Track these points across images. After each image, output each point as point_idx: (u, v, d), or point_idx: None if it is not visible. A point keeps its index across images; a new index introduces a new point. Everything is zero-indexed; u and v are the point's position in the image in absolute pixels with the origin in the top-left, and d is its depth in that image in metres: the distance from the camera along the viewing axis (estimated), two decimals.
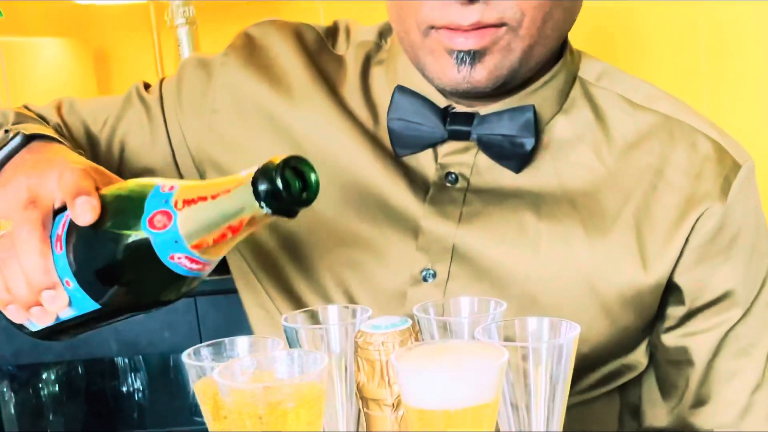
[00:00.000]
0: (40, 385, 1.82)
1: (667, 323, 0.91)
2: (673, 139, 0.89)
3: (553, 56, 0.88)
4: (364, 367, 0.61)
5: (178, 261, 0.63)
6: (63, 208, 0.68)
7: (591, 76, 0.92)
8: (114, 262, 0.65)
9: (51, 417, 1.83)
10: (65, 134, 0.94)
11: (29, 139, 0.78)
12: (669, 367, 0.93)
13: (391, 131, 0.89)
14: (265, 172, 0.59)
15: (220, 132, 0.95)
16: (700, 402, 0.91)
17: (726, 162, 0.88)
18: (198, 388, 0.61)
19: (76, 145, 0.94)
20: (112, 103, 0.99)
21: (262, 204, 0.60)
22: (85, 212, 0.65)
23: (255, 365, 0.57)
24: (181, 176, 0.98)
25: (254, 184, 0.59)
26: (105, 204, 0.66)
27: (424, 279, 0.88)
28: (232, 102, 0.95)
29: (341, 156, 0.91)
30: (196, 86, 0.97)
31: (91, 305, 0.67)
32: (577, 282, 0.86)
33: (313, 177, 0.61)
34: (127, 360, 1.83)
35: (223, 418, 0.60)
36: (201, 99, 0.96)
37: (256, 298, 0.98)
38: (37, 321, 0.69)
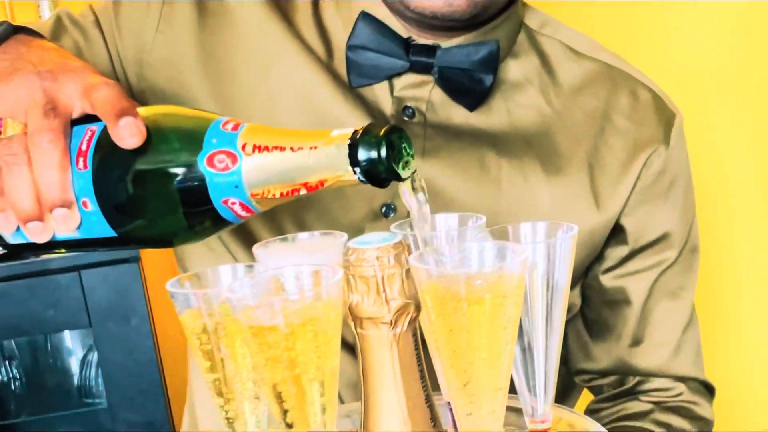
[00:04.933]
0: None
1: (606, 264, 0.93)
2: (615, 86, 0.92)
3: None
4: (357, 285, 0.58)
5: (231, 206, 0.58)
6: (81, 120, 0.62)
7: (535, 24, 0.94)
8: (154, 194, 0.59)
9: None
10: None
11: (16, 30, 0.71)
12: (605, 309, 0.95)
13: (349, 59, 0.87)
14: (368, 140, 0.55)
15: (161, 62, 0.90)
16: (636, 341, 0.95)
17: (664, 111, 0.92)
18: (185, 319, 0.57)
19: None
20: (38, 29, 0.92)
21: (357, 170, 0.55)
22: (132, 135, 0.58)
23: (263, 282, 0.54)
24: None
25: (352, 147, 0.55)
26: (148, 129, 0.59)
27: (384, 215, 0.87)
28: (174, 34, 0.90)
29: (301, 89, 0.88)
30: (136, 15, 0.91)
31: (106, 231, 0.61)
32: (536, 219, 0.87)
33: (412, 154, 0.57)
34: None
35: (215, 347, 0.57)
36: (141, 28, 0.90)
37: None
38: (31, 236, 0.61)
